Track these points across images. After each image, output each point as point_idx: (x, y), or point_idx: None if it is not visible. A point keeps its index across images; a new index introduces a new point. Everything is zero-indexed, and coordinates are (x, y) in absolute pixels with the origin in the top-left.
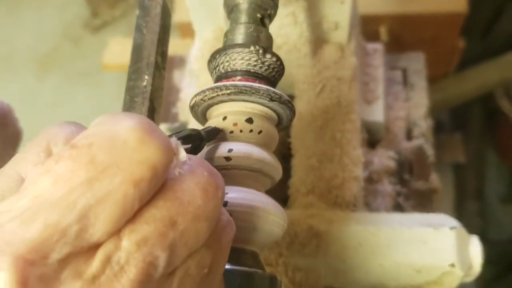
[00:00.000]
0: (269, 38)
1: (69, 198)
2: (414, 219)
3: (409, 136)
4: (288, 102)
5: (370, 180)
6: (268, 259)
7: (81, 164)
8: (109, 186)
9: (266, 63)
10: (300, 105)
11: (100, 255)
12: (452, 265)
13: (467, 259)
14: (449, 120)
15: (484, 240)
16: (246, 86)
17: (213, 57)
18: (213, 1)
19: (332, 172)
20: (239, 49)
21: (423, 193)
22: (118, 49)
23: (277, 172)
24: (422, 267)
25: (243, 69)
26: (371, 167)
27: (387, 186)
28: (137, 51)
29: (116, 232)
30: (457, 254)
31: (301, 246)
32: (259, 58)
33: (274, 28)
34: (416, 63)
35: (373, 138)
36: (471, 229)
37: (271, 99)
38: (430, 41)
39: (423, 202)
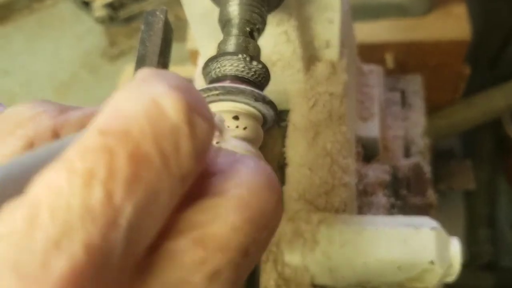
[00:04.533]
0: (257, 48)
1: None
2: (397, 220)
3: (407, 153)
4: (271, 103)
5: (365, 192)
6: None
7: None
8: None
9: (253, 69)
10: (294, 118)
11: None
12: (432, 263)
13: (447, 258)
14: (460, 147)
15: (496, 267)
16: (233, 87)
17: (207, 64)
18: (214, 20)
19: (323, 180)
20: (229, 57)
21: (420, 208)
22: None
23: None
24: (403, 264)
25: (232, 74)
26: (366, 180)
27: (381, 198)
28: (140, 62)
29: None
30: (436, 252)
31: (289, 244)
32: (246, 65)
33: (269, 46)
34: (414, 85)
35: (369, 154)
36: (482, 256)
37: (256, 99)
38: (435, 68)
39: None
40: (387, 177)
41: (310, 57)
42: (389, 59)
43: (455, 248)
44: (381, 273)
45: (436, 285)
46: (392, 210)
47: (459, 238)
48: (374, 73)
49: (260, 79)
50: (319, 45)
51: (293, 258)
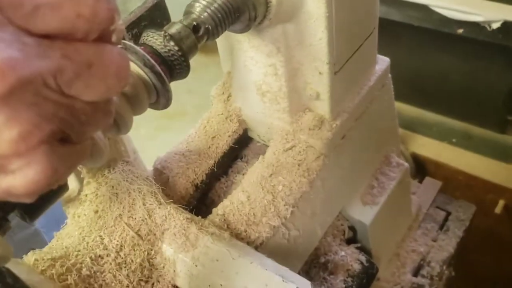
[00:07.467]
0: (190, 39)
1: None
2: (278, 267)
3: (416, 273)
4: (159, 74)
5: (324, 267)
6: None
7: None
8: None
9: (167, 48)
10: (267, 153)
11: None
12: None
13: None
14: None
15: None
16: (132, 47)
17: (145, 32)
18: None
19: (252, 212)
20: (156, 32)
21: None
22: None
23: (125, 123)
24: None
25: (149, 45)
26: (332, 256)
27: (338, 283)
28: None
29: None
30: None
31: (173, 236)
32: (164, 41)
33: (260, 74)
34: (463, 212)
35: (354, 238)
36: None
37: (145, 65)
38: None
39: None
40: (357, 267)
41: (302, 104)
42: (501, 204)
43: None
44: None
45: None
46: None
47: None
48: (399, 168)
49: (172, 59)
50: (311, 94)
51: (168, 249)
